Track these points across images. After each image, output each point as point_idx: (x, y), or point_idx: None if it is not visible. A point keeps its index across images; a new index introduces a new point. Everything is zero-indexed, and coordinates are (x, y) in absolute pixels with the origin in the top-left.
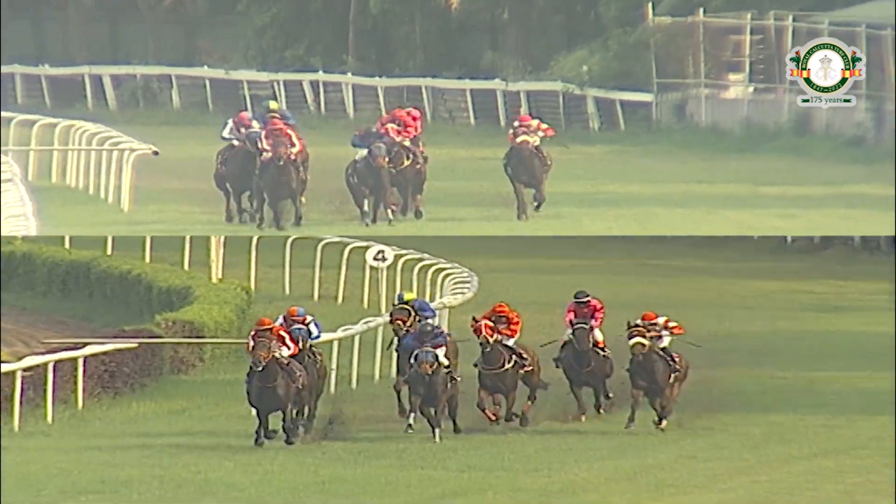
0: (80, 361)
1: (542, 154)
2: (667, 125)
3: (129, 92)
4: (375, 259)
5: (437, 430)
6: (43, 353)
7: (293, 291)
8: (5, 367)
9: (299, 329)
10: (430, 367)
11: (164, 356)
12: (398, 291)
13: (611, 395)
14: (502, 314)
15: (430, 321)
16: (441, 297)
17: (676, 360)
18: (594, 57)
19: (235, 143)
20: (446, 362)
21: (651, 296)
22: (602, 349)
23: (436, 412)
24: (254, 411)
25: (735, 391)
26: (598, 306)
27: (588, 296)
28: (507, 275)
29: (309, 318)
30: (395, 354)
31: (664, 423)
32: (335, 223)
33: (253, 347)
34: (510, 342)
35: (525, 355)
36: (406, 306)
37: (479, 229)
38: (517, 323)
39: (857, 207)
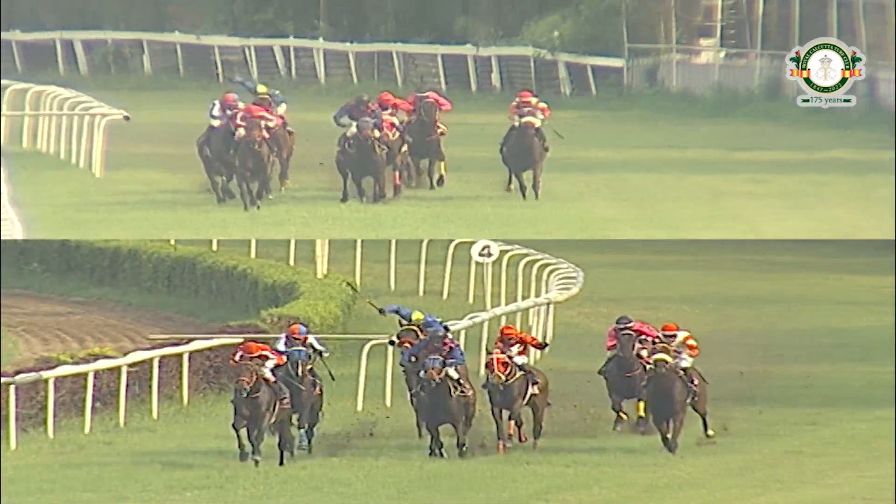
0: (186, 357)
1: (543, 137)
2: (638, 90)
3: (100, 57)
4: (481, 255)
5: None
6: (148, 349)
7: (398, 287)
8: (111, 363)
9: (299, 352)
10: (437, 373)
11: None
12: (405, 310)
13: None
14: (510, 337)
15: (438, 331)
16: (546, 292)
17: (696, 382)
18: (565, 22)
19: (215, 123)
20: (456, 375)
21: (757, 292)
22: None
23: (455, 428)
24: (236, 427)
25: (840, 386)
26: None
27: (631, 321)
28: (611, 270)
29: (311, 338)
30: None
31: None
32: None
33: (235, 372)
34: (520, 360)
35: (537, 377)
36: (413, 327)
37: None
38: (526, 342)
39: (828, 172)
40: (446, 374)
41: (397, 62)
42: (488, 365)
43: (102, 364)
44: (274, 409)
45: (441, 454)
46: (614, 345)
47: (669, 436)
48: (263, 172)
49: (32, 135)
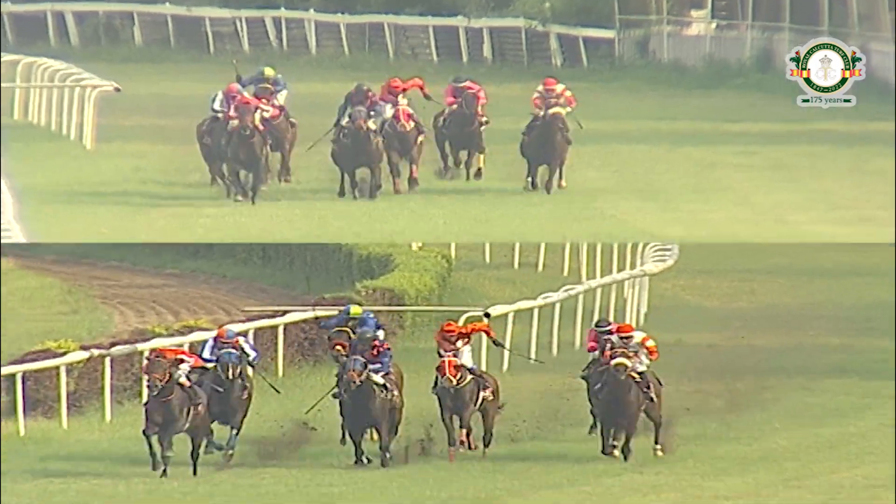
0: (281, 329)
1: (566, 129)
2: (629, 62)
3: (91, 29)
4: None
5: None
6: (243, 321)
7: (493, 259)
8: (206, 335)
9: (229, 354)
10: (358, 375)
11: None
12: (345, 306)
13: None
14: (451, 333)
15: (367, 333)
16: (642, 264)
17: (651, 387)
18: None
19: (219, 115)
20: (380, 381)
21: (849, 265)
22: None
23: (378, 431)
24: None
25: None
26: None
27: (610, 324)
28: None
29: (241, 340)
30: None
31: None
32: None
33: (147, 370)
34: (467, 360)
35: (486, 379)
36: (345, 329)
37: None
38: (465, 339)
39: (820, 144)
40: (367, 377)
41: (388, 34)
42: (439, 368)
43: (197, 336)
44: (188, 415)
45: (365, 461)
46: (595, 347)
47: (618, 443)
48: (256, 163)
49: (24, 106)
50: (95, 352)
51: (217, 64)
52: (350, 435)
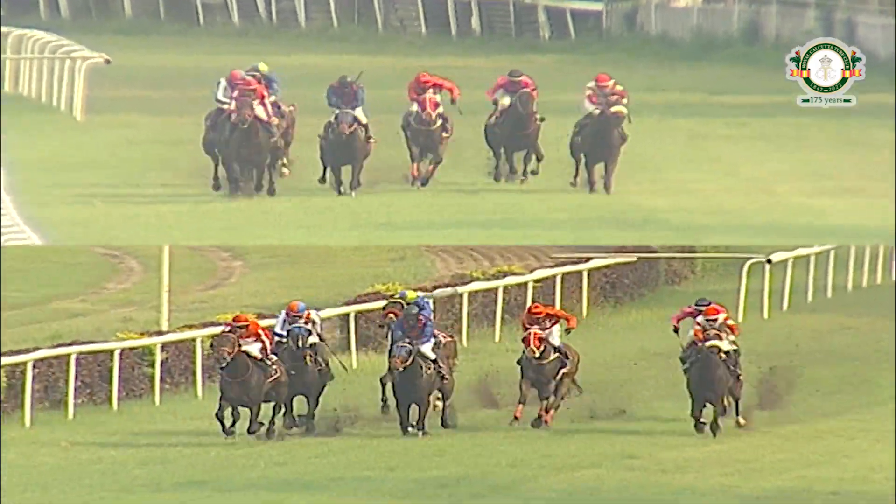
0: (585, 274)
1: (622, 127)
2: (617, 34)
3: (81, 1)
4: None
5: (412, 429)
6: (551, 267)
7: None
8: (518, 279)
9: (298, 328)
10: (402, 362)
11: (659, 269)
12: (401, 291)
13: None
14: (538, 314)
15: (413, 308)
16: None
17: (739, 365)
18: None
19: (224, 106)
20: (433, 356)
21: None
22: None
23: (420, 410)
24: (220, 405)
25: None
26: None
27: (709, 303)
28: None
29: (313, 314)
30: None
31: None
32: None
33: (214, 345)
34: (555, 339)
35: (569, 355)
36: (400, 300)
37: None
38: (554, 319)
39: (807, 116)
40: (418, 353)
41: (377, 6)
42: (524, 340)
43: (510, 280)
44: (264, 388)
45: (410, 430)
46: (677, 327)
47: (706, 420)
48: (258, 156)
49: (14, 78)
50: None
51: (206, 36)
52: (397, 408)
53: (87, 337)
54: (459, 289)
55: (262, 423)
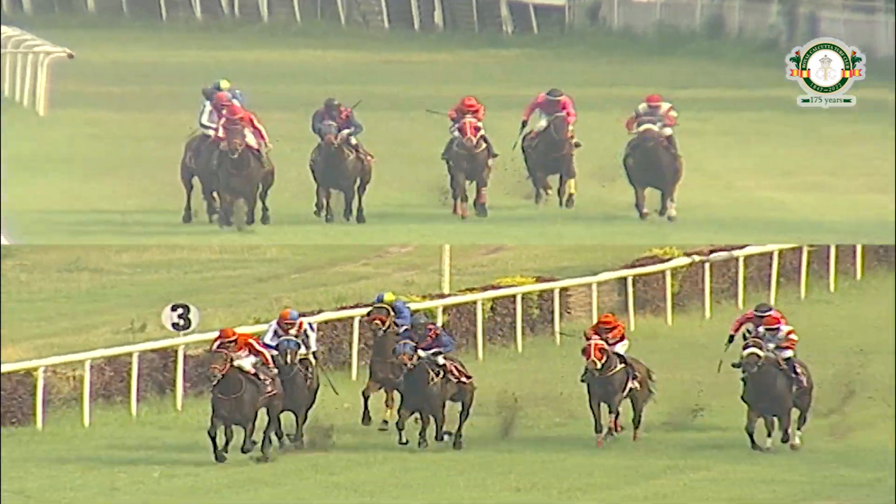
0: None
1: (674, 148)
2: (580, 28)
3: None
4: None
5: (422, 438)
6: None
7: None
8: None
9: (287, 342)
10: (409, 358)
11: None
12: (379, 293)
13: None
14: (608, 325)
15: (420, 317)
16: None
17: (800, 372)
18: None
19: (210, 132)
20: (441, 361)
21: None
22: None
23: (433, 417)
24: (212, 423)
25: None
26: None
27: (770, 309)
28: None
29: (305, 324)
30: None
31: (796, 439)
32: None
33: (209, 361)
34: (620, 351)
35: (637, 370)
36: (384, 305)
37: None
38: (620, 332)
39: (770, 110)
40: (425, 359)
41: (340, 1)
42: (584, 351)
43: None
44: (257, 405)
45: (406, 441)
46: (735, 332)
47: (771, 430)
48: (249, 187)
49: None
50: (696, 258)
51: (169, 31)
52: (399, 413)
53: (369, 299)
54: (735, 252)
55: (255, 442)
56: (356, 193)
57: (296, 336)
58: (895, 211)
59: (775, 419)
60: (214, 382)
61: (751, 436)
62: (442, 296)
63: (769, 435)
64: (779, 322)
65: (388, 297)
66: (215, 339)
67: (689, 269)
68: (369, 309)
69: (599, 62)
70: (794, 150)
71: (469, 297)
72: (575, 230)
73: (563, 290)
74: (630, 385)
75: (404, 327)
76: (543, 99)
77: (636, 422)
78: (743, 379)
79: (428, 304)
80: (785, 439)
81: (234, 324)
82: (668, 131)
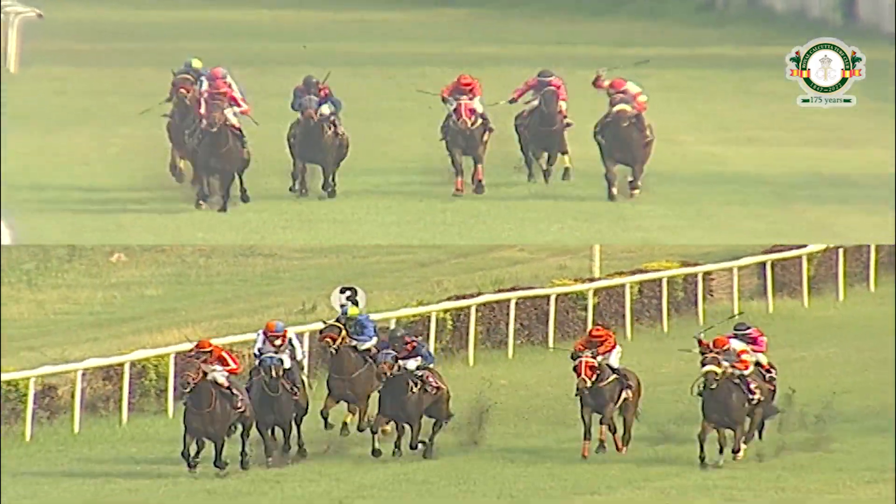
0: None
1: (642, 125)
2: None
3: None
4: None
5: (398, 447)
6: None
7: None
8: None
9: (270, 358)
10: (390, 367)
11: None
12: (343, 307)
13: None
14: (598, 338)
15: (398, 330)
16: None
17: (753, 389)
18: None
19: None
20: (419, 372)
21: None
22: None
23: (409, 426)
24: (186, 436)
25: None
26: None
27: (749, 327)
28: None
29: (291, 334)
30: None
31: (740, 453)
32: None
33: (182, 370)
34: (614, 362)
35: (630, 379)
36: (337, 323)
37: None
38: (612, 342)
39: (709, 68)
40: (404, 369)
41: None
42: (575, 369)
43: None
44: (229, 417)
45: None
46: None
47: (724, 445)
48: (229, 164)
49: None
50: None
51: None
52: (375, 419)
53: (525, 283)
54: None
55: (227, 462)
56: (332, 169)
57: (280, 346)
58: (895, 209)
59: (727, 431)
60: (187, 391)
61: (701, 445)
62: (592, 279)
63: (720, 451)
64: (725, 344)
65: (352, 311)
66: (190, 350)
67: (823, 255)
68: (321, 327)
69: (545, 21)
70: (731, 106)
71: (618, 280)
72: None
73: (706, 273)
74: (623, 395)
75: (367, 343)
76: (535, 81)
77: (625, 438)
78: (699, 394)
79: (579, 286)
80: (736, 449)
81: (398, 305)
82: (620, 108)
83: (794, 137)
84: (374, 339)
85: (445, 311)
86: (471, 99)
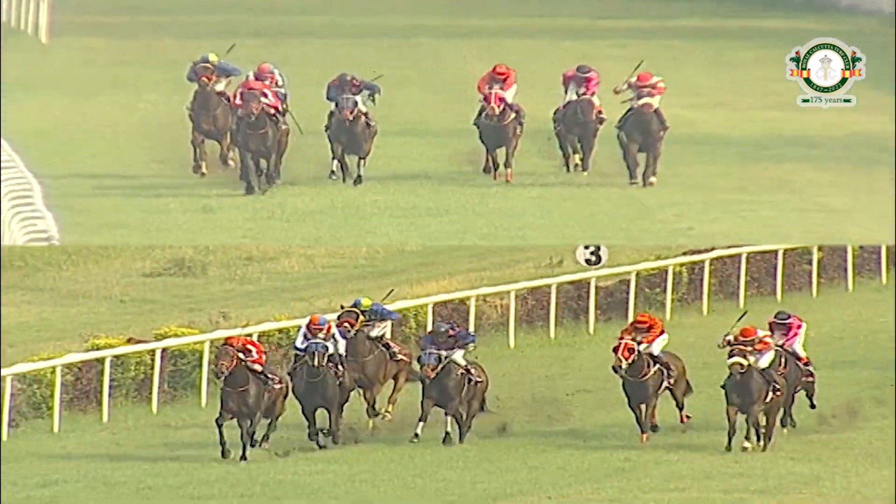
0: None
1: (661, 116)
2: None
3: None
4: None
5: (448, 434)
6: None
7: None
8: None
9: (316, 344)
10: (433, 370)
11: None
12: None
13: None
14: (643, 324)
15: (442, 325)
16: None
17: (777, 380)
18: None
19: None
20: (463, 363)
21: None
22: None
23: (448, 414)
24: (220, 415)
25: None
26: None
27: (789, 316)
28: None
29: (334, 327)
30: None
31: (762, 442)
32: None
33: (216, 359)
34: (656, 350)
35: (672, 366)
36: (354, 309)
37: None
38: (658, 330)
39: (680, 39)
40: (451, 362)
41: None
42: (615, 349)
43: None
44: (264, 400)
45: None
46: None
47: (748, 434)
48: (267, 151)
49: None
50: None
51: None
52: (422, 406)
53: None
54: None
55: (266, 437)
56: (364, 160)
57: (324, 339)
58: (895, 210)
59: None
60: (222, 379)
61: (729, 430)
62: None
63: (746, 437)
64: (753, 333)
65: (365, 302)
66: (225, 342)
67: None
68: (339, 314)
69: None
70: (702, 74)
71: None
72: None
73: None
74: (665, 384)
75: (377, 331)
76: (573, 74)
77: (679, 408)
78: (722, 386)
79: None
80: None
81: (638, 260)
82: (645, 101)
83: (758, 102)
84: (388, 326)
85: (681, 264)
86: (502, 88)
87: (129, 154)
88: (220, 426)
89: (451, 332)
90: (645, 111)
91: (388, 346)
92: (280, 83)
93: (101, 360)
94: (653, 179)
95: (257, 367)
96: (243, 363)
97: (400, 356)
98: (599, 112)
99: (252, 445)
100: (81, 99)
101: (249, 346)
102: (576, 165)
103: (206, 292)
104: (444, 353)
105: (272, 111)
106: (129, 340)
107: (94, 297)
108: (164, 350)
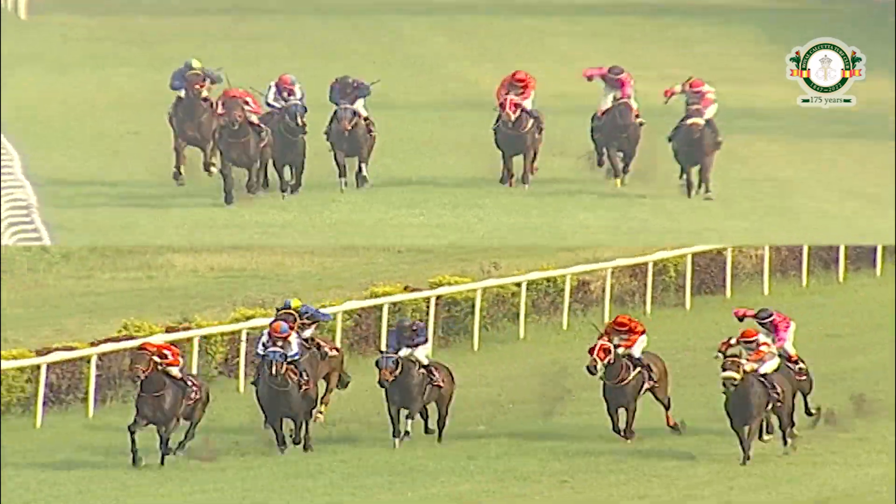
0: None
1: (714, 128)
2: None
3: None
4: None
5: (398, 437)
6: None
7: None
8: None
9: (273, 353)
10: (391, 373)
11: None
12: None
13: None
14: (623, 326)
15: (405, 320)
16: None
17: (777, 387)
18: None
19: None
20: (426, 362)
21: None
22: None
23: (410, 416)
24: (134, 421)
25: None
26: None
27: (771, 314)
28: None
29: (293, 337)
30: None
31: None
32: None
33: (131, 362)
34: (637, 352)
35: (653, 368)
36: (291, 311)
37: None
38: (638, 332)
39: (631, 14)
40: (409, 361)
41: None
42: (591, 350)
43: None
44: (181, 407)
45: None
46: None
47: (745, 442)
48: (249, 160)
49: None
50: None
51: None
52: (389, 414)
53: None
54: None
55: (170, 448)
56: (365, 163)
57: (282, 348)
58: (895, 210)
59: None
60: (137, 384)
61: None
62: None
63: (760, 437)
64: (755, 335)
65: (295, 303)
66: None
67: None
68: (274, 317)
69: None
70: (649, 49)
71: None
72: (468, 115)
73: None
74: (646, 386)
75: (308, 332)
76: (605, 73)
77: (666, 408)
78: (724, 393)
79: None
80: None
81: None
82: (711, 111)
83: (706, 76)
84: (313, 329)
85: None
86: (519, 95)
87: (106, 126)
88: (132, 433)
89: (414, 328)
90: (694, 129)
91: (318, 346)
92: (299, 96)
93: (379, 307)
94: (711, 195)
95: (175, 372)
96: (160, 368)
97: (330, 354)
98: (637, 115)
99: (167, 453)
100: (59, 74)
101: (165, 351)
102: (609, 170)
103: (478, 244)
104: (402, 352)
105: (254, 119)
106: (406, 288)
107: (371, 248)
108: (438, 297)
